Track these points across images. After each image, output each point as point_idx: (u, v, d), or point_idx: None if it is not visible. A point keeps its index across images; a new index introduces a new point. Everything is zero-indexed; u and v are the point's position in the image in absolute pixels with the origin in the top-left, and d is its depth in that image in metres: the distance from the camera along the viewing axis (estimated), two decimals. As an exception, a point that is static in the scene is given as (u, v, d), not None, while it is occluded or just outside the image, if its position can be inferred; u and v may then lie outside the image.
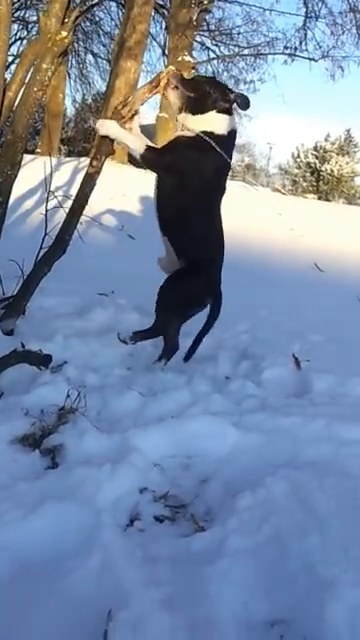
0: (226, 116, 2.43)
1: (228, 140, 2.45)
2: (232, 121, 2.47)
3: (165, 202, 2.49)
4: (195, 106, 2.40)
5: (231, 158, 2.49)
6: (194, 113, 2.41)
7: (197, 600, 1.20)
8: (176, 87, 2.40)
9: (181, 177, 2.41)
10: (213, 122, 2.41)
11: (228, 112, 2.44)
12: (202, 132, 2.38)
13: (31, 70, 2.56)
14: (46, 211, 2.79)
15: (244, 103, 2.45)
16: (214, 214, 2.53)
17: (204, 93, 2.41)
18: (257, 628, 1.17)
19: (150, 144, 2.45)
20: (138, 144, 2.41)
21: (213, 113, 2.41)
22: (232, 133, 2.47)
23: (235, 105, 2.45)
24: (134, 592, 1.20)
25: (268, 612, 1.20)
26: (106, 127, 2.43)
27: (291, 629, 1.16)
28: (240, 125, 22.91)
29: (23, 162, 2.57)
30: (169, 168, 2.43)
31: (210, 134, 2.39)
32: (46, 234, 2.75)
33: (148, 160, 2.42)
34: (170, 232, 2.51)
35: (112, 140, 2.47)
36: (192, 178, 2.41)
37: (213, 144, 2.37)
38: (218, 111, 2.41)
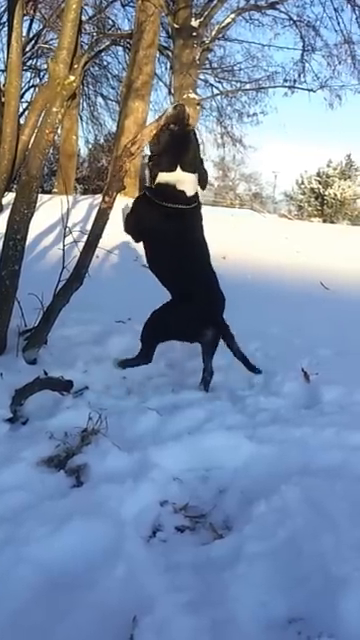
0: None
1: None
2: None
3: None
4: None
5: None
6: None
7: (218, 602, 1.25)
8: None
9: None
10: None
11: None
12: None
13: (42, 114, 2.65)
14: (63, 246, 2.92)
15: None
16: (180, 256, 2.60)
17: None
18: (276, 626, 1.22)
19: None
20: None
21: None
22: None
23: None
24: (158, 598, 1.26)
25: (286, 611, 1.25)
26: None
27: (308, 625, 1.21)
28: (246, 156, 23.32)
29: (41, 201, 2.69)
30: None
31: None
32: (64, 267, 2.88)
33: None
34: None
35: (122, 177, 2.63)
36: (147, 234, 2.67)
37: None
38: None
